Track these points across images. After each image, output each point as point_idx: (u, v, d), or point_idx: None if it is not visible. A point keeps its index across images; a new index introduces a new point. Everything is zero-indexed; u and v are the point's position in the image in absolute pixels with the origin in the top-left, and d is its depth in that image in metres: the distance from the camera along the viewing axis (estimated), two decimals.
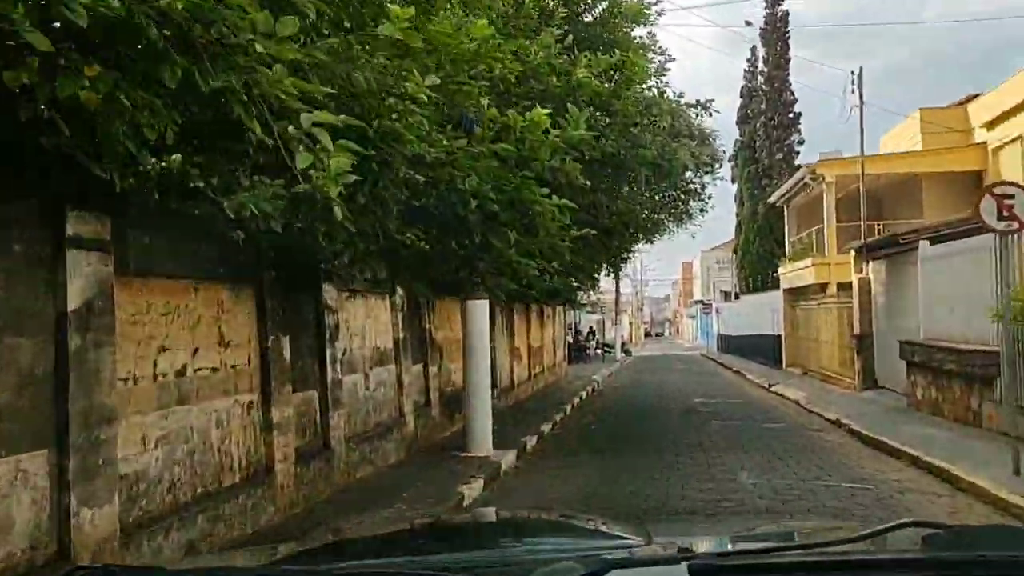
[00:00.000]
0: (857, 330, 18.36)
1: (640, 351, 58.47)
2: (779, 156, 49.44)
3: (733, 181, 52.04)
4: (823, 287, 23.10)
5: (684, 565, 1.26)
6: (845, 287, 20.99)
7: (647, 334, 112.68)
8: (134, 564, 3.98)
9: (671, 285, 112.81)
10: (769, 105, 49.53)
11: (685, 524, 4.08)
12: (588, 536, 2.19)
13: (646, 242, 22.90)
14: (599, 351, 47.86)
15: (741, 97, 50.88)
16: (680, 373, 30.64)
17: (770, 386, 22.22)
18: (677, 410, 17.19)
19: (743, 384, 25.07)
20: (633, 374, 31.14)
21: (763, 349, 31.82)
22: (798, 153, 50.88)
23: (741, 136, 50.74)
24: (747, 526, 3.00)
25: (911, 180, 22.72)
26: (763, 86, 49.86)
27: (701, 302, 60.97)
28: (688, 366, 36.49)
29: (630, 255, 26.05)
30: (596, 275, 25.17)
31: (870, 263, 18.16)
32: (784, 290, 27.85)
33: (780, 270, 28.25)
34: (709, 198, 20.06)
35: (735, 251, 50.77)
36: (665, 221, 20.51)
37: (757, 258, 48.89)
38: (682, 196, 19.95)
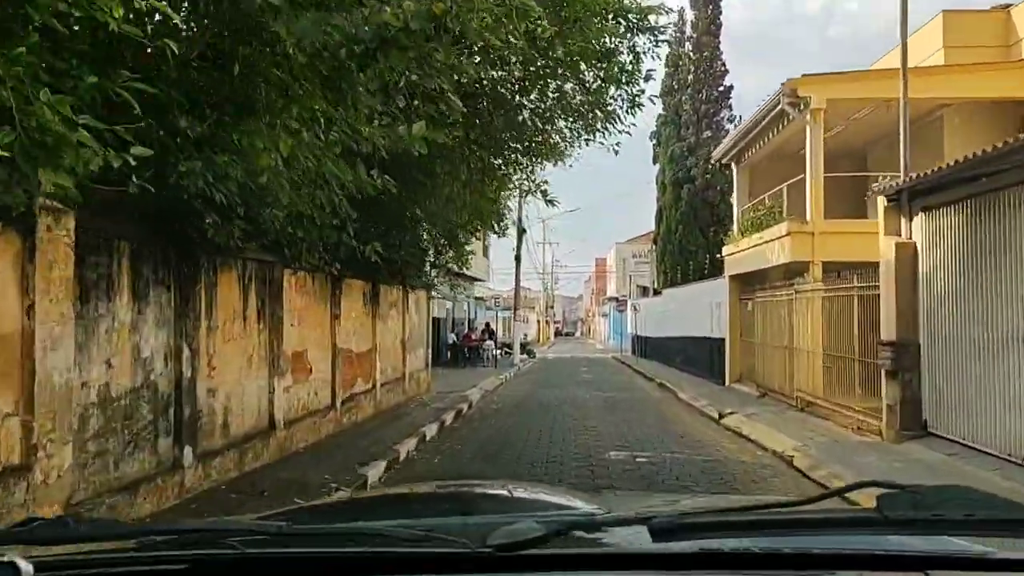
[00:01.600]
0: (891, 334, 10.19)
1: (547, 352, 50.12)
2: (707, 134, 41.80)
3: (655, 162, 44.24)
4: (801, 270, 14.90)
5: (645, 525, 1.21)
6: (842, 268, 13.00)
7: (558, 333, 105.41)
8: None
9: (584, 283, 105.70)
10: (697, 76, 41.94)
11: (645, 498, 3.50)
12: (551, 503, 2.14)
13: (549, 163, 14.46)
14: (498, 353, 39.30)
15: (666, 66, 43.17)
16: (587, 386, 22.18)
17: (720, 416, 14.05)
18: (577, 472, 8.81)
19: (676, 408, 16.79)
20: (527, 386, 22.55)
21: (696, 356, 23.78)
22: (728, 131, 43.54)
23: (665, 110, 42.98)
24: (706, 498, 3.04)
25: (925, 117, 14.77)
26: (691, 53, 42.25)
27: (615, 299, 53.18)
28: (599, 374, 28.21)
29: (521, 191, 17.43)
30: (471, 232, 16.50)
31: (918, 218, 10.08)
32: (731, 278, 19.75)
33: (725, 250, 20.15)
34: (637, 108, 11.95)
35: (655, 242, 42.97)
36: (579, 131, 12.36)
37: (679, 250, 41.15)
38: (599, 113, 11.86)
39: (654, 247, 42.88)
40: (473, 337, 35.01)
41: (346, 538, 1.45)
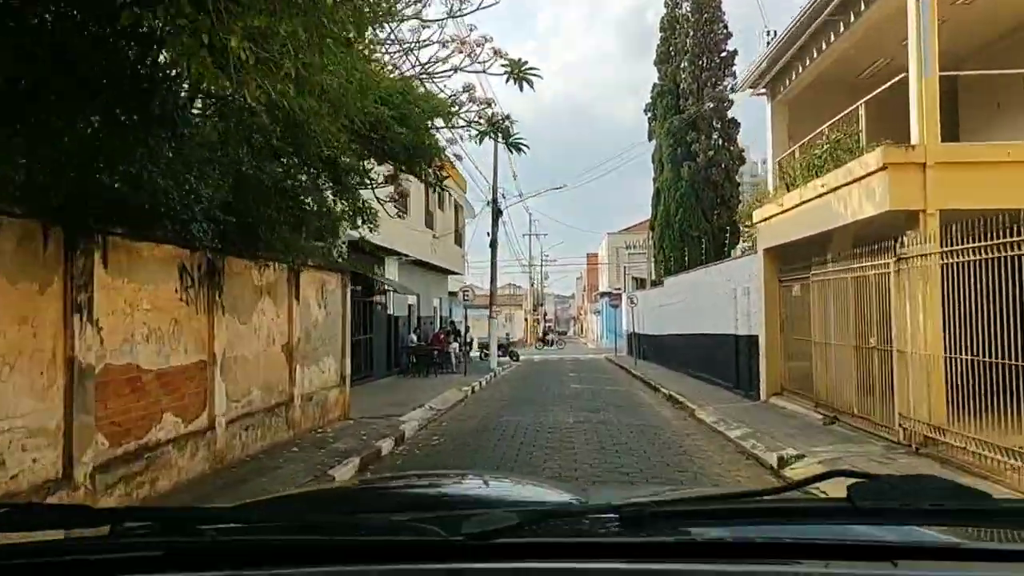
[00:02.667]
0: None
1: (533, 353, 44.33)
2: (709, 105, 36.14)
3: (650, 137, 38.50)
4: (890, 229, 9.13)
5: (616, 515, 1.24)
6: (971, 219, 7.34)
7: (547, 332, 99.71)
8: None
9: (576, 280, 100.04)
10: (696, 40, 36.23)
11: (622, 489, 3.43)
12: (527, 494, 2.10)
13: None
14: (477, 355, 33.49)
15: (662, 30, 37.43)
16: (575, 402, 16.38)
17: (781, 464, 8.35)
18: None
19: (698, 439, 10.95)
20: (495, 403, 16.66)
21: (712, 359, 18.03)
22: (732, 103, 37.92)
23: (661, 79, 37.26)
24: (678, 491, 2.66)
25: None
26: (689, 15, 36.55)
27: (608, 294, 47.49)
28: (590, 381, 22.40)
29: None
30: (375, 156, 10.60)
31: None
32: (767, 252, 13.97)
33: (758, 215, 14.32)
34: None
35: (651, 227, 37.26)
36: None
37: (680, 235, 35.42)
38: None
39: (651, 233, 37.14)
40: (443, 338, 29.23)
41: (320, 527, 1.40)
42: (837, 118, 11.10)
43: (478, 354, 34.92)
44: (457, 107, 10.84)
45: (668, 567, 1.16)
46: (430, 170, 10.59)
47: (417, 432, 12.06)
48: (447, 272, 31.55)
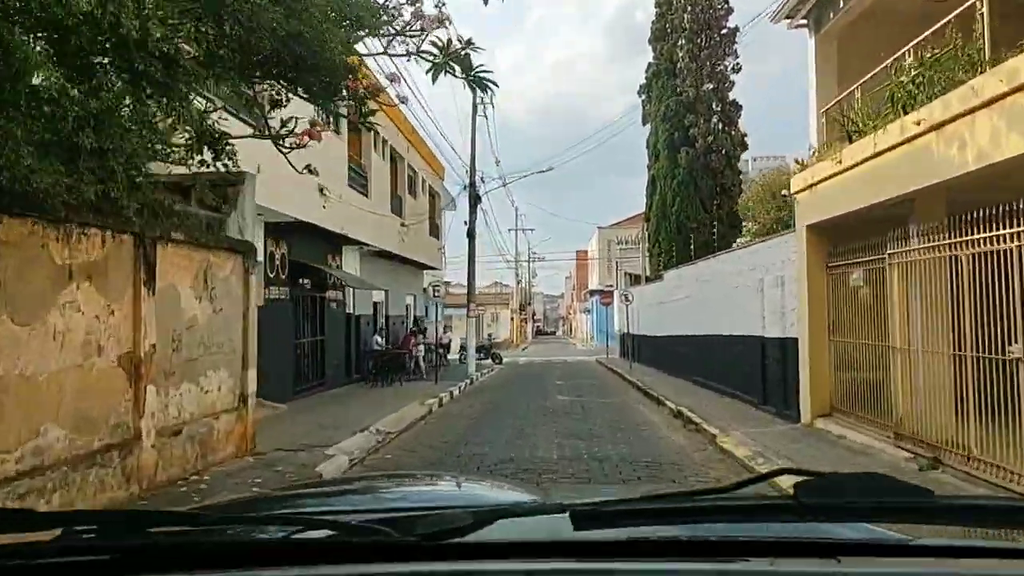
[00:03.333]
0: None
1: (519, 354, 40.80)
2: (709, 86, 32.70)
3: (645, 121, 35.01)
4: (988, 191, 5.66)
5: (567, 514, 1.22)
6: None
7: (539, 332, 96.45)
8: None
9: (565, 279, 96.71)
10: (695, 16, 32.82)
11: (585, 489, 3.44)
12: (484, 495, 2.08)
13: None
14: (453, 359, 29.92)
15: (657, 6, 33.98)
16: (561, 423, 12.85)
17: None
18: None
19: None
20: (459, 426, 13.00)
21: (730, 367, 14.48)
22: (733, 84, 34.52)
23: (656, 58, 33.80)
24: (644, 491, 2.62)
25: None
26: None
27: (599, 291, 44.03)
28: (580, 391, 18.88)
29: None
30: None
31: None
32: (811, 229, 10.47)
33: (797, 183, 10.80)
34: None
35: (646, 219, 33.82)
36: None
37: (677, 227, 31.96)
38: None
39: (645, 225, 33.70)
40: (415, 340, 25.68)
41: (273, 526, 1.40)
42: (932, 30, 7.61)
43: (458, 357, 31.42)
44: (388, 16, 7.37)
45: (618, 566, 1.16)
46: (343, 97, 7.04)
47: (344, 474, 8.54)
48: (422, 267, 28.01)
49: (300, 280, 16.86)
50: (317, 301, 17.85)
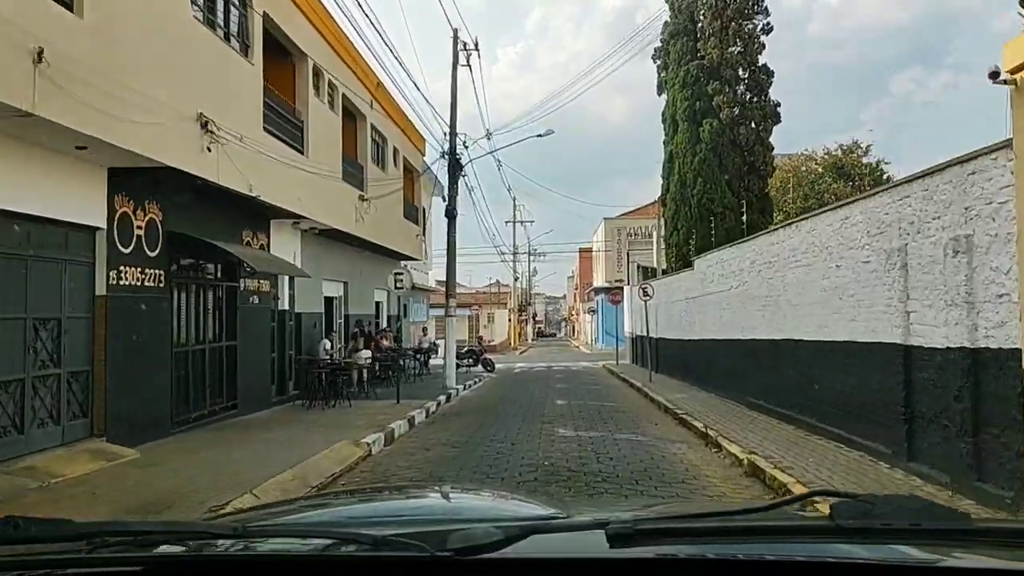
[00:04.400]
0: None
1: (516, 360, 35.40)
2: (735, 48, 27.44)
3: (660, 91, 29.68)
4: None
5: (602, 531, 1.18)
6: None
7: (540, 334, 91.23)
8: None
9: (567, 280, 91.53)
10: None
11: (604, 504, 2.99)
12: (510, 508, 1.99)
13: None
14: (436, 365, 24.54)
15: None
16: (563, 499, 7.59)
17: None
18: None
19: None
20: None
21: (826, 390, 9.15)
22: (763, 46, 29.20)
23: (673, 17, 28.49)
24: (665, 505, 2.56)
25: None
26: None
27: (606, 289, 38.69)
28: (591, 419, 13.44)
29: None
30: None
31: None
32: None
33: (1014, 58, 5.73)
34: None
35: (662, 202, 28.47)
36: None
37: (699, 211, 26.63)
38: None
39: (661, 210, 28.36)
40: (386, 345, 20.38)
41: (303, 540, 1.37)
42: None
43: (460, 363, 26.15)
44: None
45: None
46: None
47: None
48: (399, 257, 22.75)
49: (192, 262, 11.58)
50: (223, 292, 12.57)
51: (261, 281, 13.69)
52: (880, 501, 1.25)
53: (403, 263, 25.59)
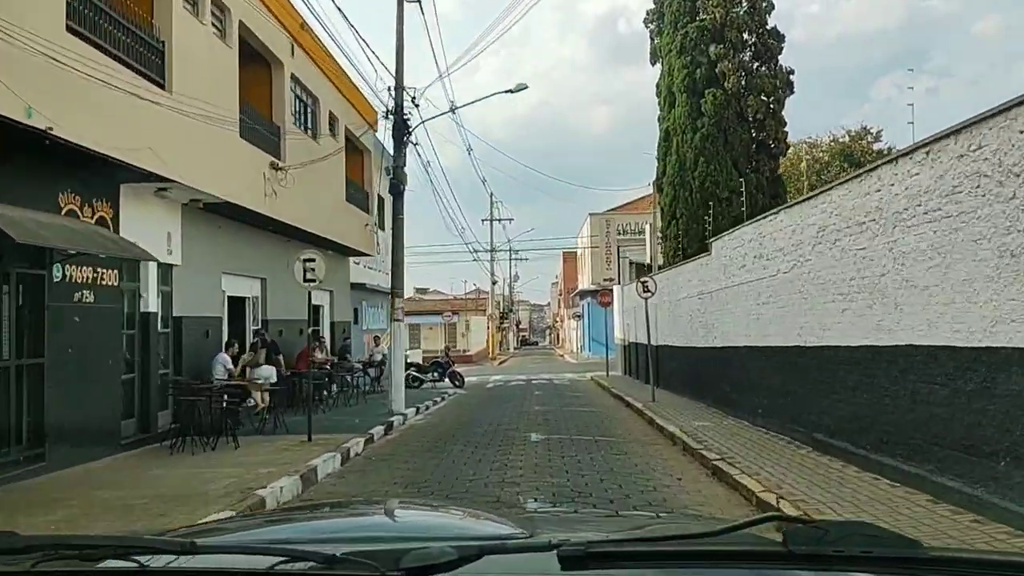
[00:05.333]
0: None
1: (493, 371, 30.96)
2: (740, 8, 23.40)
3: (653, 59, 25.53)
4: None
5: (554, 552, 1.18)
6: None
7: (524, 342, 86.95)
8: None
9: (551, 287, 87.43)
10: None
11: (564, 521, 2.52)
12: (469, 526, 1.93)
13: None
14: (375, 384, 20.07)
15: None
16: None
17: None
18: None
19: None
20: None
21: (996, 428, 5.08)
22: (772, 6, 25.15)
23: None
24: (630, 523, 2.30)
25: None
26: None
27: (593, 292, 34.43)
28: (581, 469, 9.33)
29: None
30: None
31: None
32: None
33: None
34: None
35: (658, 187, 24.27)
36: None
37: (700, 196, 22.44)
38: None
39: (657, 197, 24.13)
40: (319, 358, 15.97)
41: (255, 556, 1.33)
42: None
43: (408, 379, 21.77)
44: None
45: None
46: None
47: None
48: (342, 250, 18.42)
49: None
50: (19, 286, 8.15)
51: (101, 271, 9.27)
52: (833, 527, 1.23)
53: (354, 259, 21.27)
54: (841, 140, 34.51)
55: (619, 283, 23.61)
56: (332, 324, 19.02)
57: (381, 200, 21.83)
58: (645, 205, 35.04)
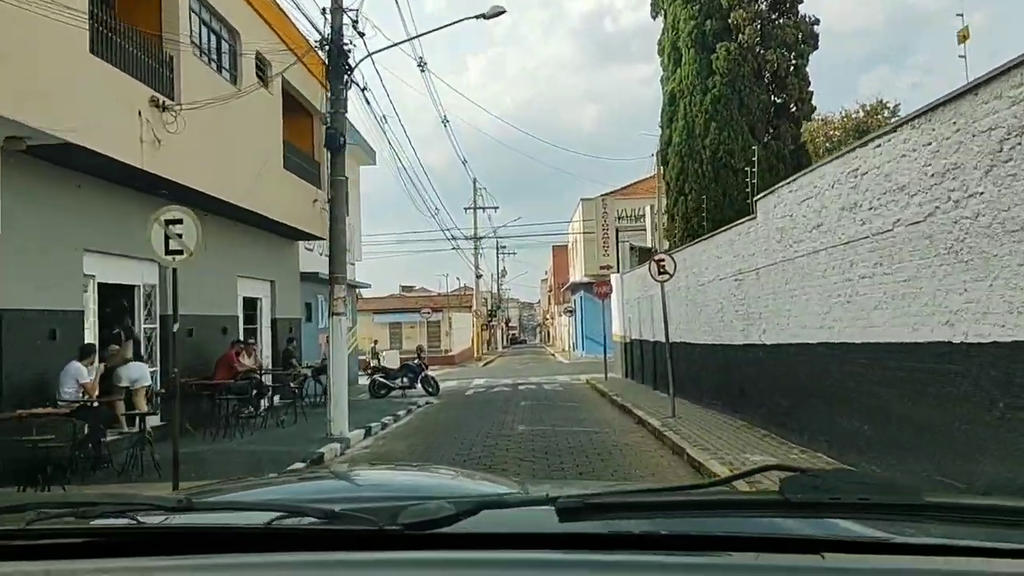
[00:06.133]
0: None
1: (476, 374, 27.24)
2: None
3: (655, 12, 22.07)
4: None
5: (552, 506, 1.16)
6: None
7: (514, 340, 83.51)
8: None
9: (540, 283, 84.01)
10: None
11: (560, 481, 3.03)
12: (466, 485, 1.89)
13: None
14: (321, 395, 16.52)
15: None
16: None
17: None
18: None
19: None
20: None
21: None
22: None
23: None
24: (620, 485, 2.42)
25: None
26: None
27: (586, 284, 30.83)
28: None
29: None
30: None
31: None
32: None
33: None
34: None
35: (663, 159, 20.78)
36: None
37: (712, 167, 18.94)
38: None
39: (661, 171, 20.58)
40: (241, 363, 12.34)
41: (252, 513, 1.30)
42: None
43: (392, 384, 18.17)
44: None
45: (603, 558, 1.11)
46: None
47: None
48: (288, 233, 14.84)
49: None
50: None
51: None
52: (830, 476, 1.22)
53: (307, 244, 17.69)
54: (855, 116, 31.15)
55: (619, 271, 20.10)
56: (274, 322, 15.41)
57: (344, 180, 18.16)
58: (643, 189, 31.52)
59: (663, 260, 11.10)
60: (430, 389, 18.30)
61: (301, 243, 16.85)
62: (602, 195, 29.16)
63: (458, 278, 47.12)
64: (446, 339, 36.99)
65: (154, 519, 1.23)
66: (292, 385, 14.64)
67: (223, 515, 1.32)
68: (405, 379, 18.53)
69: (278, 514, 1.20)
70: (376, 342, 27.17)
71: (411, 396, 17.92)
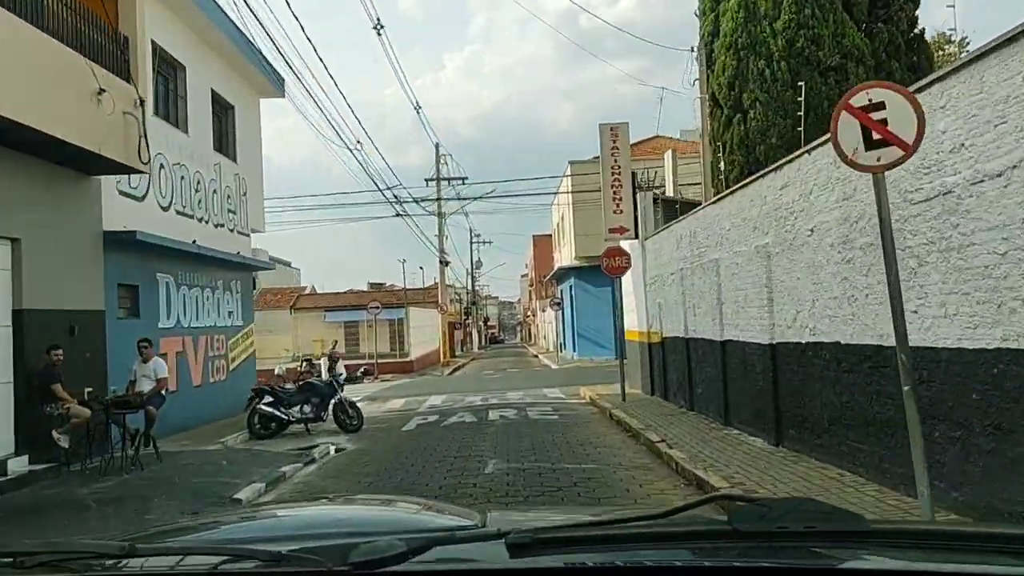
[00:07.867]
0: None
1: (437, 386, 19.82)
2: None
3: None
4: None
5: (503, 540, 1.15)
6: None
7: (493, 340, 76.63)
8: None
9: (520, 280, 77.10)
10: None
11: (516, 510, 2.86)
12: (420, 519, 1.82)
13: None
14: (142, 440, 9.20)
15: None
16: None
17: None
18: None
19: None
20: None
21: None
22: None
23: None
24: (589, 511, 2.37)
25: None
26: None
27: (576, 269, 23.60)
28: None
29: None
30: None
31: None
32: None
33: None
34: None
35: (706, 58, 13.64)
36: None
37: (790, 71, 12.12)
38: None
39: (707, 76, 13.47)
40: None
41: (196, 557, 1.26)
42: None
43: (287, 413, 10.94)
44: None
45: None
46: None
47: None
48: (80, 158, 7.51)
49: None
50: None
51: None
52: (776, 505, 1.21)
53: (129, 186, 10.39)
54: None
55: (638, 237, 13.04)
56: (18, 313, 8.05)
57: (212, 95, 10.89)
58: (650, 149, 24.44)
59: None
60: (348, 424, 11.06)
61: (107, 179, 9.53)
62: (594, 157, 21.92)
63: (421, 267, 39.82)
64: (411, 340, 29.65)
65: (94, 568, 1.17)
66: (57, 437, 7.43)
67: (167, 559, 1.26)
68: (307, 406, 11.22)
69: (223, 558, 1.17)
70: (336, 343, 20.43)
71: (317, 433, 10.80)
